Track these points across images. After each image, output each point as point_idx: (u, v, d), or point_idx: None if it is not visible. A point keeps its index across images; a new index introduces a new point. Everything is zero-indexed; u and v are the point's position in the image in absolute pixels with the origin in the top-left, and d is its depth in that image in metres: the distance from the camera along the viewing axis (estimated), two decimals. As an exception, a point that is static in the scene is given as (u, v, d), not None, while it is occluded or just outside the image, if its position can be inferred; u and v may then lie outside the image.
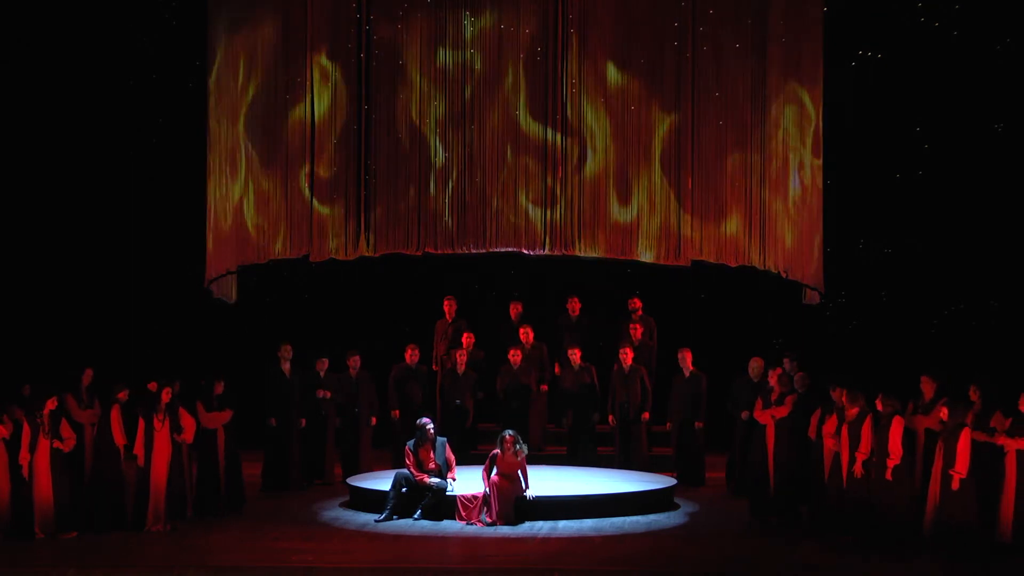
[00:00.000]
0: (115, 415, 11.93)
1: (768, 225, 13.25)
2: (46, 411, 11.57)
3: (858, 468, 11.46)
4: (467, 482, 12.62)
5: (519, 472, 12.35)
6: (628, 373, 14.70)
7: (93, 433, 12.37)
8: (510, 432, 12.46)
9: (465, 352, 14.98)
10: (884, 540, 11.20)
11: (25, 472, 11.46)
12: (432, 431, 12.75)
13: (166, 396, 12.06)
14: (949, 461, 10.92)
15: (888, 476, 11.24)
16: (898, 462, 11.25)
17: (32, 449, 11.49)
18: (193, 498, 12.55)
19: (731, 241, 13.17)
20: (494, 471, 12.23)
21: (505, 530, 11.84)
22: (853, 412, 11.63)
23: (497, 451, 12.37)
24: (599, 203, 13.03)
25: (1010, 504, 10.97)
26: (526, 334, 15.37)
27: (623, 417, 14.66)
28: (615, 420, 14.72)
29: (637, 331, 15.26)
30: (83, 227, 16.44)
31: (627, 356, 14.73)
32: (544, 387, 15.35)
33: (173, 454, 12.09)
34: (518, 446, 12.37)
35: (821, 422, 12.04)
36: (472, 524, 12.04)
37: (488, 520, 12.04)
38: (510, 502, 12.12)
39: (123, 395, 12.00)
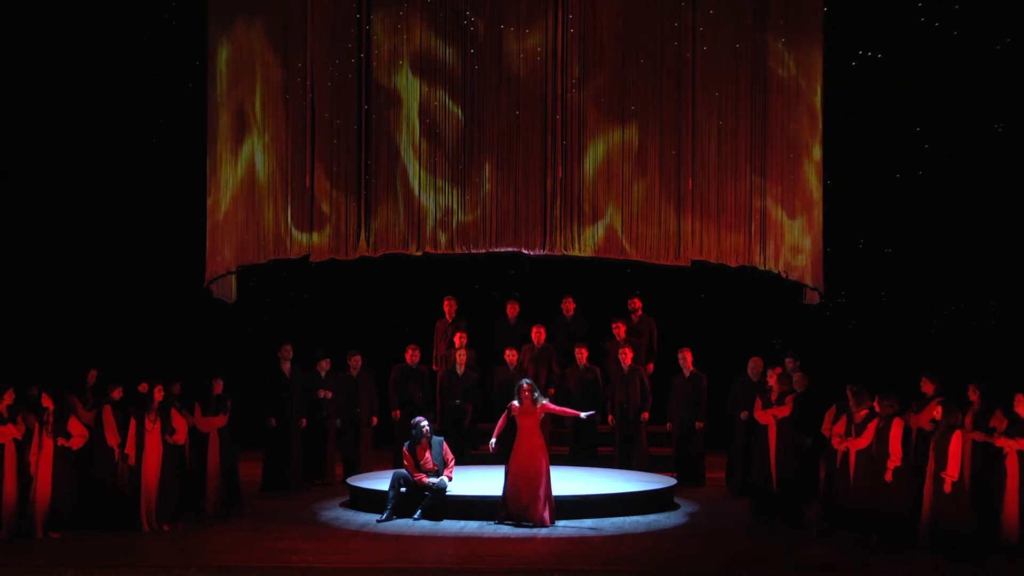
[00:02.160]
0: (108, 415, 11.87)
1: (768, 225, 13.26)
2: (51, 410, 11.56)
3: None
4: (465, 481, 12.61)
5: (543, 417, 12.24)
6: (627, 373, 14.69)
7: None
8: (527, 380, 12.36)
9: (464, 352, 14.95)
10: (884, 540, 11.20)
11: (32, 469, 11.43)
12: (427, 429, 12.70)
13: (158, 395, 11.94)
14: (941, 463, 10.91)
15: (888, 477, 11.24)
16: (898, 463, 11.25)
17: (28, 445, 11.49)
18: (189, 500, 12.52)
19: (731, 241, 13.18)
20: (511, 459, 12.06)
21: (505, 530, 11.82)
22: (861, 414, 11.63)
23: (514, 402, 12.26)
24: (599, 203, 13.06)
25: (1014, 505, 10.98)
26: (538, 333, 15.30)
27: (623, 417, 14.65)
28: (615, 420, 14.72)
29: (620, 329, 15.15)
30: (83, 227, 16.42)
31: (626, 356, 14.71)
32: (551, 390, 15.28)
33: (166, 455, 11.99)
34: (536, 394, 12.20)
35: (835, 421, 11.99)
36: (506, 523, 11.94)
37: (497, 520, 11.96)
38: (528, 498, 11.89)
39: (116, 394, 11.94)
